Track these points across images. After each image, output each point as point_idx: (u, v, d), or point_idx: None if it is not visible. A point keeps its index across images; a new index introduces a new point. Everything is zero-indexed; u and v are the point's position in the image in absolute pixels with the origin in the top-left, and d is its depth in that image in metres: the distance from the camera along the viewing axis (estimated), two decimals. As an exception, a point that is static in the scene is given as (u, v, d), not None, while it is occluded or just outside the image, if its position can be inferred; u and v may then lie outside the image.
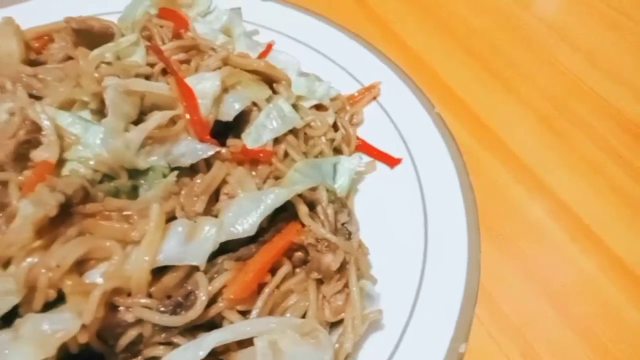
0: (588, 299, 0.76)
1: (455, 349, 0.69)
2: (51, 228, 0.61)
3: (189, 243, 0.65)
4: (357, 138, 0.96)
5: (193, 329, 0.66)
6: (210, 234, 0.66)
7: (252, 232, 0.68)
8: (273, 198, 0.69)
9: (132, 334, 0.63)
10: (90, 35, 0.88)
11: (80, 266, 0.61)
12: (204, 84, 0.80)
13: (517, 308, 0.76)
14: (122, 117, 0.73)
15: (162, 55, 0.82)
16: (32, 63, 0.89)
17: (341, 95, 1.00)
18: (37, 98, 0.79)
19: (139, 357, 0.65)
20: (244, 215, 0.68)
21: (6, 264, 0.60)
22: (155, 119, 0.73)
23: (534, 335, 0.73)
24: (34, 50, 0.91)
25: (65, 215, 0.62)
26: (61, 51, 0.88)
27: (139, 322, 0.63)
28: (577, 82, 1.05)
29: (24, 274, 0.57)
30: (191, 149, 0.75)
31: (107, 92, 0.72)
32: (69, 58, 0.89)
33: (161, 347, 0.65)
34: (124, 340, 0.63)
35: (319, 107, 0.97)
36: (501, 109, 1.01)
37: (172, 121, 0.77)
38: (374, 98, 1.01)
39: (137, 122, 0.77)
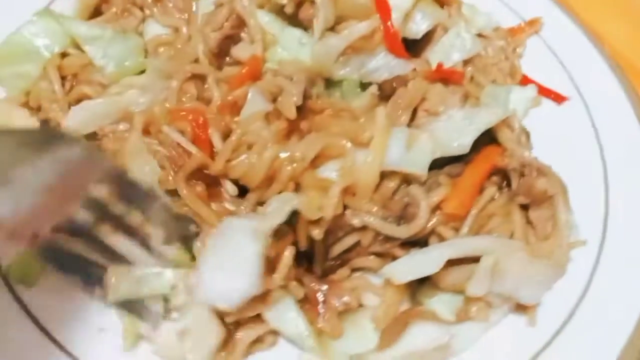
0: None
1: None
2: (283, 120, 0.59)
3: (409, 151, 0.63)
4: (519, 72, 0.92)
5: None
6: (427, 145, 0.64)
7: (466, 150, 0.66)
8: (488, 117, 0.67)
9: (350, 240, 0.62)
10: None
11: (313, 161, 0.59)
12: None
13: None
14: (327, 22, 0.70)
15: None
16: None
17: (502, 27, 0.96)
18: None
19: (346, 267, 0.64)
20: (458, 131, 0.66)
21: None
22: (359, 28, 0.70)
23: None
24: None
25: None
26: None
27: (361, 229, 0.61)
28: None
29: (267, 164, 0.56)
30: (387, 63, 0.72)
31: (318, -4, 0.68)
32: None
33: (372, 258, 0.64)
34: (342, 246, 0.62)
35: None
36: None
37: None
38: (536, 32, 0.96)
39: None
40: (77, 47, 0.73)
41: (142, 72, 0.70)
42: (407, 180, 0.65)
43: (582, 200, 0.76)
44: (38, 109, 0.73)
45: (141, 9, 0.77)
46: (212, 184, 0.60)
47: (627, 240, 0.72)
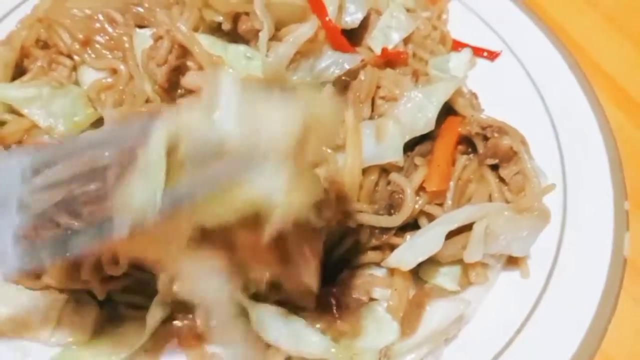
0: None
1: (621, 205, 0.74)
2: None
3: (380, 143, 0.65)
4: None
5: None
6: (396, 131, 0.66)
7: (432, 127, 0.68)
8: (444, 90, 0.70)
9: (349, 242, 0.63)
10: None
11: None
12: (328, -8, 0.76)
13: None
14: (270, 32, 0.69)
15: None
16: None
17: (423, -3, 0.99)
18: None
19: (348, 267, 0.66)
20: (420, 111, 0.68)
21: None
22: (304, 31, 0.69)
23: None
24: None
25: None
26: (147, -21, 0.80)
27: (357, 228, 0.63)
28: None
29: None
30: (336, 60, 0.72)
31: (256, 6, 0.68)
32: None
33: (371, 253, 0.66)
34: (342, 248, 0.63)
35: (403, 12, 0.96)
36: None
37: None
38: (454, -5, 1.00)
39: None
40: (13, 111, 0.68)
41: (94, 122, 0.67)
42: (384, 170, 0.67)
43: (538, 147, 0.81)
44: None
45: (69, 56, 0.72)
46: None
47: (585, 175, 0.78)
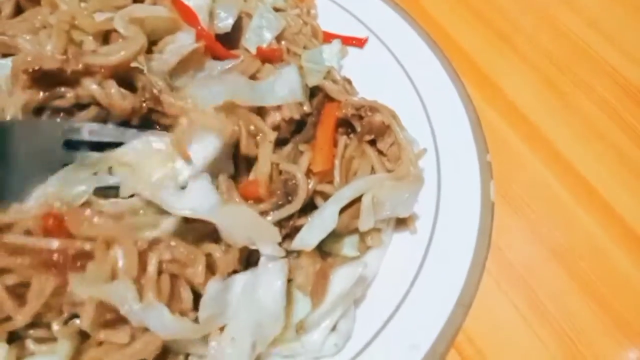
0: (590, 255, 0.80)
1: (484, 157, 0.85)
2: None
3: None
4: (319, 30, 1.02)
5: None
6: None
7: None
8: (311, 78, 0.76)
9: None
10: (38, -20, 0.79)
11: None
12: (196, 1, 0.79)
13: (524, 261, 0.80)
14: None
15: (148, -22, 0.78)
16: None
17: (291, -6, 1.05)
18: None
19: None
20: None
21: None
22: (182, 43, 0.72)
23: (538, 285, 0.77)
24: (-32, 12, 0.79)
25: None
26: (8, 5, 0.79)
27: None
28: (580, 44, 1.05)
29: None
30: (217, 68, 0.76)
31: (117, 24, 0.69)
32: (19, 11, 0.80)
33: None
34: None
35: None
36: (505, 67, 1.04)
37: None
38: (321, -9, 1.07)
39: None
40: None
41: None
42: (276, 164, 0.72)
43: (410, 119, 0.90)
44: None
45: None
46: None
47: (452, 137, 0.88)
